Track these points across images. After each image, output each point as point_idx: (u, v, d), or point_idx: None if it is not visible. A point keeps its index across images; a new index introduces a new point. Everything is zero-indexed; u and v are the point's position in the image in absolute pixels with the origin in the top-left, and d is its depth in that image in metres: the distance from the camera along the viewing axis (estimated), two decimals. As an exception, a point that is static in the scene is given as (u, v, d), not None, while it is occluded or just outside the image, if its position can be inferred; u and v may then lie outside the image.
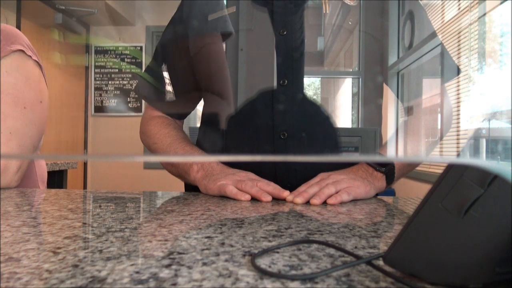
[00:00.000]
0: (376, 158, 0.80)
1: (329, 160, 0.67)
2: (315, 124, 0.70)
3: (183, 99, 0.82)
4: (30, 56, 0.75)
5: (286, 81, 0.68)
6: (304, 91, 0.69)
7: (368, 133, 0.77)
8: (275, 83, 0.69)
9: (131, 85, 3.64)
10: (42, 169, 0.84)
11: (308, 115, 0.70)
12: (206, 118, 0.79)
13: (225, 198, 0.59)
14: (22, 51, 0.74)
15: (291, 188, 0.61)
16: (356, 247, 0.32)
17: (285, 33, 0.69)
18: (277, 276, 0.24)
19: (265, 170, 0.67)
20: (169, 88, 0.82)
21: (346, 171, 0.66)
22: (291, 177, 0.67)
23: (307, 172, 0.65)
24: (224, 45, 0.73)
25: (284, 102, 0.68)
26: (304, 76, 0.70)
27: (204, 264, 0.27)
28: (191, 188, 0.72)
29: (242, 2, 0.73)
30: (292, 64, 0.69)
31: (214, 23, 0.73)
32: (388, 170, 0.66)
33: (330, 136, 0.71)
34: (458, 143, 2.13)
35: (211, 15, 0.73)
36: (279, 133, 0.68)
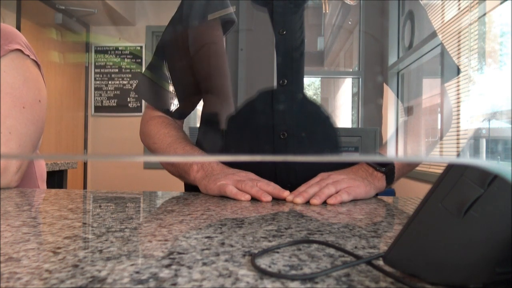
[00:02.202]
0: (376, 158, 0.80)
1: (329, 160, 0.67)
2: (315, 124, 0.70)
3: (183, 99, 0.82)
4: (28, 56, 0.75)
5: (286, 81, 0.68)
6: (304, 91, 0.69)
7: (368, 133, 0.77)
8: (275, 83, 0.69)
9: (131, 85, 3.64)
10: (41, 168, 0.84)
11: (308, 115, 0.70)
12: (206, 118, 0.79)
13: (225, 198, 0.59)
14: (20, 50, 0.73)
15: (291, 188, 0.61)
16: (356, 247, 0.32)
17: (285, 33, 0.69)
18: (277, 276, 0.24)
19: (265, 170, 0.67)
20: (170, 87, 0.82)
21: (346, 171, 0.66)
22: (291, 177, 0.67)
23: (307, 172, 0.65)
24: (224, 42, 0.73)
25: (284, 102, 0.68)
26: (304, 76, 0.70)
27: (204, 264, 0.27)
28: (191, 188, 0.72)
29: (242, 2, 0.73)
30: (292, 64, 0.69)
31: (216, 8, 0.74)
32: (388, 170, 0.66)
33: (330, 136, 0.71)
34: (458, 143, 2.13)
35: (210, 14, 0.73)
36: (279, 133, 0.68)
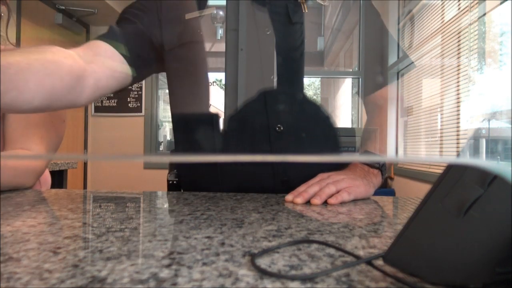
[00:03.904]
0: (376, 158, 0.80)
1: (329, 160, 0.67)
2: (311, 122, 0.70)
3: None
4: None
5: (285, 81, 0.68)
6: (303, 91, 0.70)
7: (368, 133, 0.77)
8: (274, 83, 0.69)
9: (131, 85, 3.64)
10: (44, 177, 0.86)
11: (306, 115, 0.70)
12: (199, 118, 0.76)
13: (225, 198, 0.59)
14: None
15: (288, 181, 0.61)
16: (356, 247, 0.32)
17: (284, 32, 0.69)
18: (277, 276, 0.24)
19: (261, 164, 0.67)
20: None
21: (345, 171, 0.66)
22: (288, 169, 0.68)
23: (304, 167, 0.66)
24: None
25: (283, 101, 0.68)
26: (304, 76, 0.70)
27: (204, 264, 0.27)
28: (174, 187, 0.72)
29: (242, 2, 0.73)
30: (292, 64, 0.69)
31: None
32: (381, 165, 0.68)
33: (327, 135, 0.72)
34: (458, 143, 2.13)
35: (188, 14, 0.70)
36: (274, 127, 0.67)
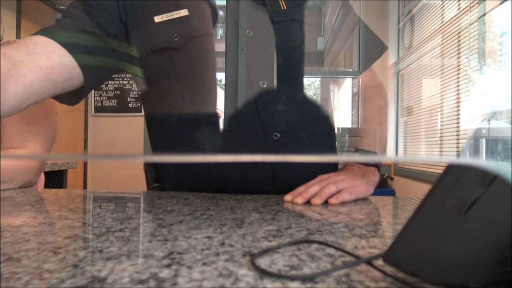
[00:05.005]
0: (376, 157, 0.80)
1: (329, 160, 0.67)
2: (310, 130, 0.70)
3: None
4: None
5: (282, 83, 0.68)
6: (303, 92, 0.70)
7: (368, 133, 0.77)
8: (274, 83, 0.69)
9: (131, 85, 3.64)
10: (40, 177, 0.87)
11: (303, 120, 0.69)
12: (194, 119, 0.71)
13: (225, 198, 0.59)
14: None
15: (290, 188, 0.61)
16: (356, 247, 0.32)
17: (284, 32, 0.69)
18: (277, 276, 0.24)
19: (261, 170, 0.66)
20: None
21: (344, 172, 0.66)
22: (288, 176, 0.67)
23: (304, 171, 0.65)
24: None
25: (278, 107, 0.67)
26: (304, 76, 0.70)
27: (204, 264, 0.27)
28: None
29: (242, 2, 0.73)
30: (291, 64, 0.69)
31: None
32: (377, 162, 0.68)
33: (325, 141, 0.71)
34: (458, 143, 2.13)
35: (157, 16, 0.64)
36: (271, 136, 0.67)
